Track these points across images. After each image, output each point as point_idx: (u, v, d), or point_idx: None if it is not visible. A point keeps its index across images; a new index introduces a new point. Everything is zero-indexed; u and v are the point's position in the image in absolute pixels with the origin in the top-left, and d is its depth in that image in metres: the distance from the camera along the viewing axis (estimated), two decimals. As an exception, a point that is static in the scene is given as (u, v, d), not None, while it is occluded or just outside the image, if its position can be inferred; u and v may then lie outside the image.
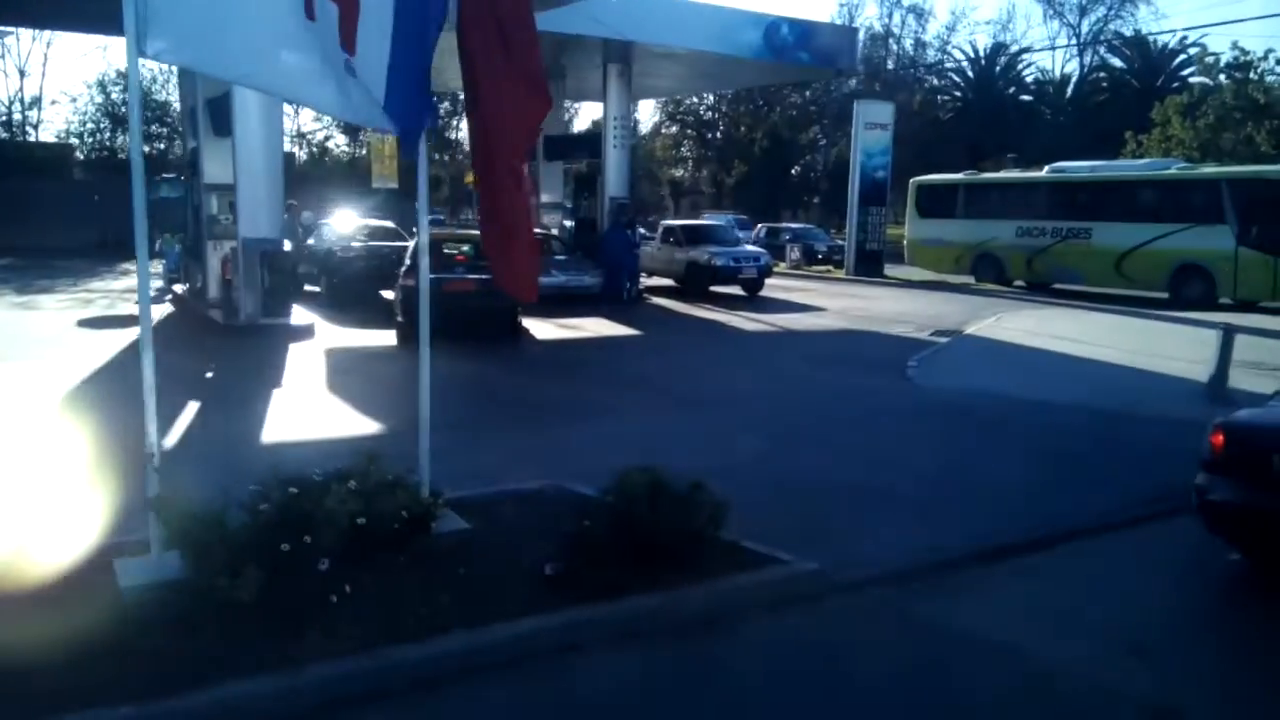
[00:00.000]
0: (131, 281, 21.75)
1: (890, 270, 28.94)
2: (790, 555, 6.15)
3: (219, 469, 6.44)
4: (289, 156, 47.74)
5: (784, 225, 39.12)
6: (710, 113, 58.97)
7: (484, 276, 14.22)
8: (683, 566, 5.75)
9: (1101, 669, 4.81)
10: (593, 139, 23.53)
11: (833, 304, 21.38)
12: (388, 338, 14.38)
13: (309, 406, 9.99)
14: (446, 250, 14.84)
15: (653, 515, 6.05)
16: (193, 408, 9.67)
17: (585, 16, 18.95)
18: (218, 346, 13.39)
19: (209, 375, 11.74)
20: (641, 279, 24.26)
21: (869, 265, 28.87)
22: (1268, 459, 5.81)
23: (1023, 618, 5.44)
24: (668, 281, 23.88)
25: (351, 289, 17.92)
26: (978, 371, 12.49)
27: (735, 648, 5.13)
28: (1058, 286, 24.80)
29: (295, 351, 13.14)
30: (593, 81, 22.88)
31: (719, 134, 60.11)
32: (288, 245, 15.49)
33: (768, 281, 24.09)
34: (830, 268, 31.78)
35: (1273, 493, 5.73)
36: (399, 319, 14.17)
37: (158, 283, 20.38)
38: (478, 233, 18.81)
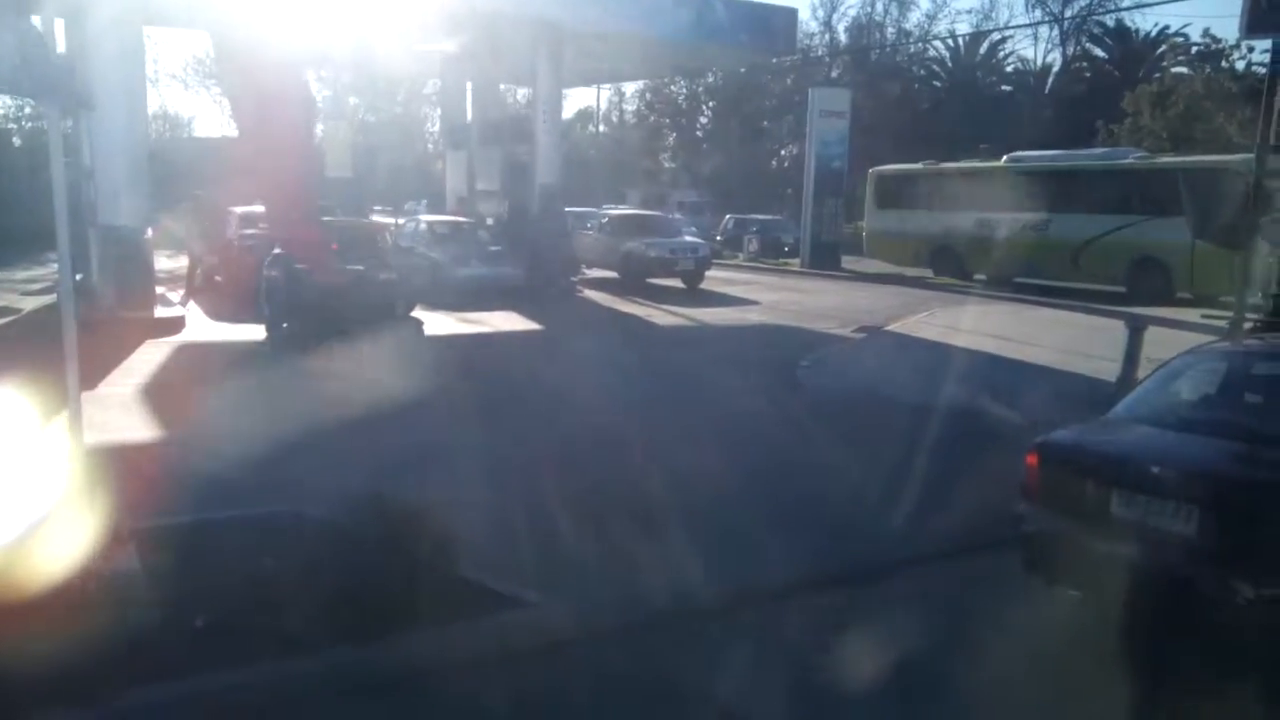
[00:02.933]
0: (34, 272, 20.89)
1: (852, 264, 27.96)
2: (537, 596, 5.24)
3: None
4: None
5: (752, 216, 38.13)
6: (687, 103, 57.91)
7: (360, 268, 13.33)
8: (399, 611, 4.84)
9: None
10: (526, 123, 22.53)
11: (770, 297, 20.45)
12: (259, 332, 13.42)
13: (91, 416, 9.00)
14: (321, 240, 13.87)
15: (362, 548, 5.17)
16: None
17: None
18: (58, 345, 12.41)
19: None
20: (583, 270, 23.39)
21: (825, 257, 27.88)
22: (1082, 485, 4.87)
23: (776, 677, 4.54)
24: (610, 273, 22.92)
25: (248, 279, 16.94)
26: (873, 372, 11.56)
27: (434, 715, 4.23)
28: (1019, 280, 23.77)
29: (145, 349, 12.19)
30: (525, 65, 21.85)
31: (700, 124, 59.12)
32: (150, 233, 14.51)
33: (714, 274, 23.19)
34: (791, 260, 30.78)
35: (1088, 524, 4.80)
36: (265, 312, 13.23)
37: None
38: (353, 221, 17.88)
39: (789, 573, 5.66)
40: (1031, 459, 5.08)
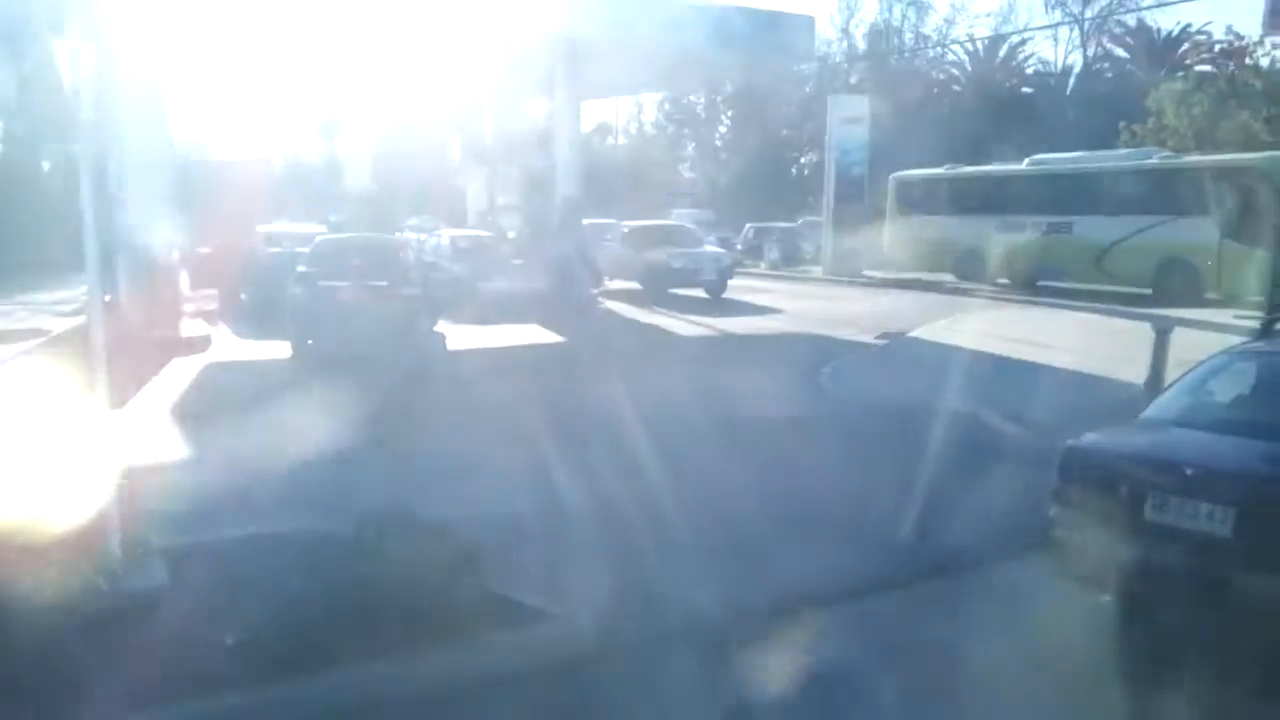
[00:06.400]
0: (63, 293, 21.10)
1: (874, 270, 27.90)
2: (564, 609, 5.23)
3: None
4: (268, 163, 47.24)
5: (773, 225, 38.09)
6: (705, 112, 58.00)
7: (381, 283, 13.40)
8: (426, 626, 4.84)
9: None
10: (546, 136, 22.63)
11: (793, 305, 20.40)
12: (285, 350, 13.53)
13: (121, 435, 9.09)
14: (342, 255, 13.98)
15: (387, 564, 5.17)
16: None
17: (528, 9, 18.21)
18: (87, 365, 12.56)
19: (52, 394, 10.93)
20: (605, 281, 23.44)
21: (847, 264, 27.79)
22: (1115, 488, 4.82)
23: (818, 686, 4.50)
24: (632, 284, 22.94)
25: (270, 295, 17.06)
26: (898, 378, 11.50)
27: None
28: (1042, 284, 23.60)
29: (172, 369, 12.30)
30: (544, 78, 21.93)
31: (719, 133, 59.21)
32: (177, 254, 14.65)
33: (736, 283, 23.16)
34: (813, 268, 30.70)
35: (1122, 528, 4.75)
36: (290, 329, 13.35)
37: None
38: (376, 237, 17.99)
39: (809, 585, 5.60)
40: (1063, 462, 5.05)
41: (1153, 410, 5.40)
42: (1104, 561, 4.86)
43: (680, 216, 38.58)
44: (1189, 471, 4.58)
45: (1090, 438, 5.16)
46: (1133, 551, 4.67)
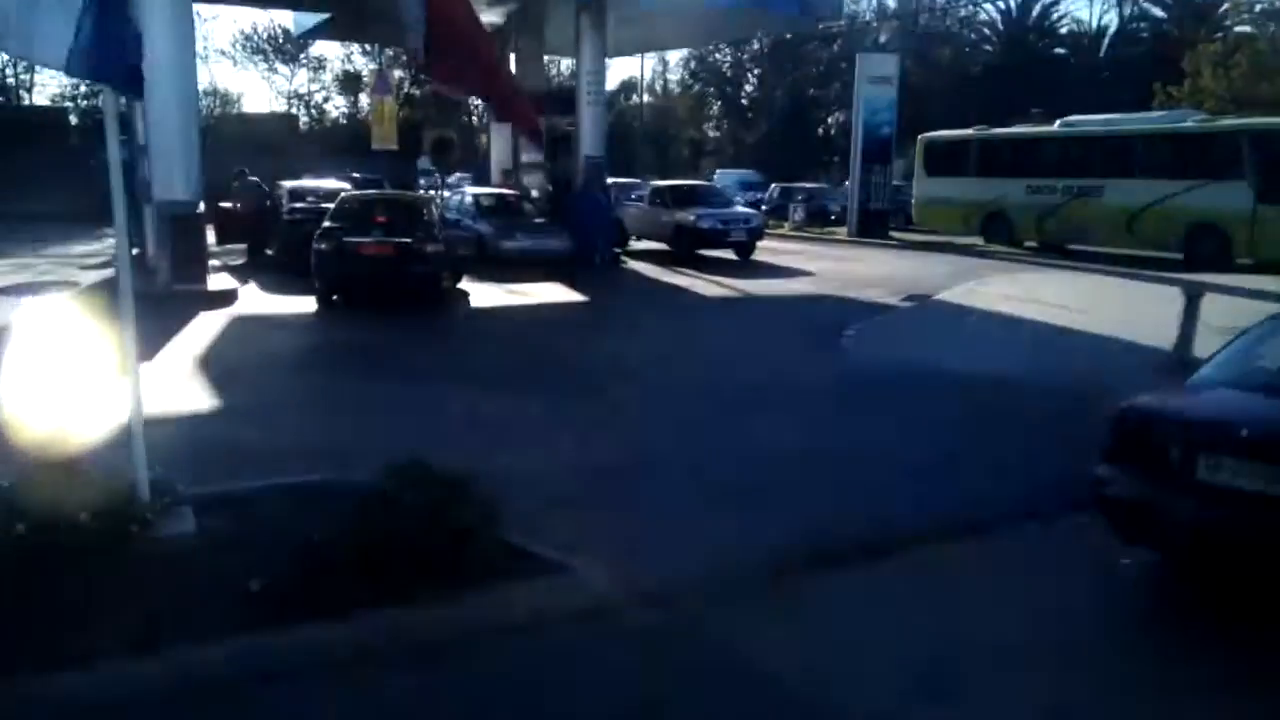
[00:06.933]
0: (88, 247, 21.30)
1: (901, 232, 27.71)
2: (581, 561, 5.26)
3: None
4: (291, 119, 47.29)
5: (798, 185, 37.81)
6: (730, 70, 57.42)
7: (404, 240, 13.41)
8: (443, 576, 4.89)
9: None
10: (570, 94, 22.45)
11: (819, 267, 20.29)
12: (310, 304, 13.62)
13: (149, 385, 9.20)
14: (366, 212, 13.99)
15: (406, 513, 5.21)
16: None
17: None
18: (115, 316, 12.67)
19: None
20: (631, 241, 23.39)
21: (873, 226, 27.60)
22: (1165, 449, 4.84)
23: (845, 646, 4.52)
24: (658, 245, 22.85)
25: (298, 251, 17.15)
26: (921, 340, 11.42)
27: (478, 677, 4.26)
28: (1072, 248, 23.36)
29: (199, 321, 12.40)
30: (568, 35, 21.76)
31: (745, 92, 58.64)
32: (202, 208, 14.69)
33: (765, 244, 23.01)
34: (838, 229, 30.49)
35: (1171, 488, 4.77)
36: (316, 284, 13.41)
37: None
38: (400, 194, 17.98)
39: (828, 540, 5.61)
40: (1116, 423, 5.07)
41: (1205, 372, 5.38)
42: (1155, 521, 4.88)
43: (724, 176, 38.33)
44: (1244, 433, 4.55)
45: (1144, 399, 5.16)
46: (1184, 511, 4.68)
